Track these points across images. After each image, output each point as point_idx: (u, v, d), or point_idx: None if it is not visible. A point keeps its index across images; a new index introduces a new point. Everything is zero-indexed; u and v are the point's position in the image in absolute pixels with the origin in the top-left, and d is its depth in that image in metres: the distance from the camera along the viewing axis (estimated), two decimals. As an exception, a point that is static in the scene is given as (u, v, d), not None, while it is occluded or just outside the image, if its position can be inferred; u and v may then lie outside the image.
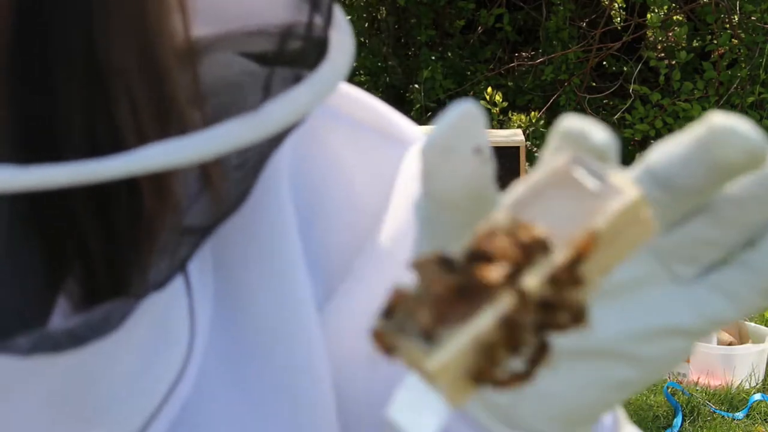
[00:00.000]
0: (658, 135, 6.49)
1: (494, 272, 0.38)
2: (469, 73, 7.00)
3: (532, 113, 6.34)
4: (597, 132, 0.44)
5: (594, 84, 6.91)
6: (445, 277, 0.38)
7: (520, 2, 7.11)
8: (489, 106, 6.28)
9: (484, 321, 0.37)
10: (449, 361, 0.37)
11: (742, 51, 6.61)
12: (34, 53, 0.48)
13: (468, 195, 0.44)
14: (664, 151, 0.45)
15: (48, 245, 0.51)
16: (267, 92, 0.50)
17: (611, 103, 6.79)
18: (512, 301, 0.38)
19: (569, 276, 0.39)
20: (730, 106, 6.44)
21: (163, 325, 0.53)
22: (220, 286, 0.56)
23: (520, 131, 4.19)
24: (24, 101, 0.48)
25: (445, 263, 0.38)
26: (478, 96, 6.49)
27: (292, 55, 0.52)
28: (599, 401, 0.48)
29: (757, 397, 4.12)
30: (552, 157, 0.43)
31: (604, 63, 7.13)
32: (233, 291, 0.57)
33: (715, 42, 6.74)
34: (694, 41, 7.06)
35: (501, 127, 6.04)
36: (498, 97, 6.22)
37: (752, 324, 4.50)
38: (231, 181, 0.53)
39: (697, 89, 6.57)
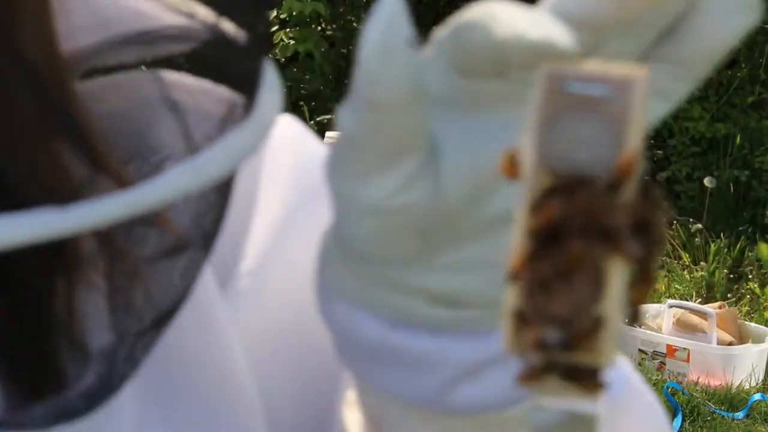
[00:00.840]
0: (658, 135, 6.49)
1: (580, 246, 0.36)
2: (468, 72, 7.00)
3: (532, 113, 6.34)
4: (559, 35, 0.39)
5: (594, 84, 6.91)
6: (546, 271, 0.36)
7: (519, 2, 7.11)
8: (489, 106, 6.28)
9: (615, 287, 0.36)
10: (613, 341, 0.36)
11: (742, 51, 6.60)
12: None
13: (415, 90, 0.42)
14: None
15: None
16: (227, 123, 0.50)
17: (611, 102, 6.79)
18: (615, 252, 0.36)
19: (637, 196, 0.36)
20: (730, 105, 6.44)
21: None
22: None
23: (520, 131, 4.19)
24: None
25: (533, 259, 0.36)
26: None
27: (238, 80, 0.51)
28: None
29: (757, 397, 4.12)
30: (531, 89, 0.38)
31: (604, 63, 7.13)
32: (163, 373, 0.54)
33: (715, 42, 6.74)
34: (694, 41, 7.06)
35: (501, 127, 6.03)
36: (498, 97, 6.22)
37: (752, 324, 4.50)
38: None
39: (696, 89, 6.56)
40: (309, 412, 0.60)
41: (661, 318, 4.39)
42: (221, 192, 0.51)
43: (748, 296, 5.12)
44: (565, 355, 0.36)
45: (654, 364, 4.30)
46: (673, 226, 5.62)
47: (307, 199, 0.62)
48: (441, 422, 0.49)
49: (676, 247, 5.50)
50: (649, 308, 4.60)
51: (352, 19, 7.02)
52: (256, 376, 0.58)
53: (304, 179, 0.62)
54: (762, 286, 5.14)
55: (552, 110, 0.37)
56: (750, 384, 4.20)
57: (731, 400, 4.13)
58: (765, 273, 5.29)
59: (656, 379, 4.24)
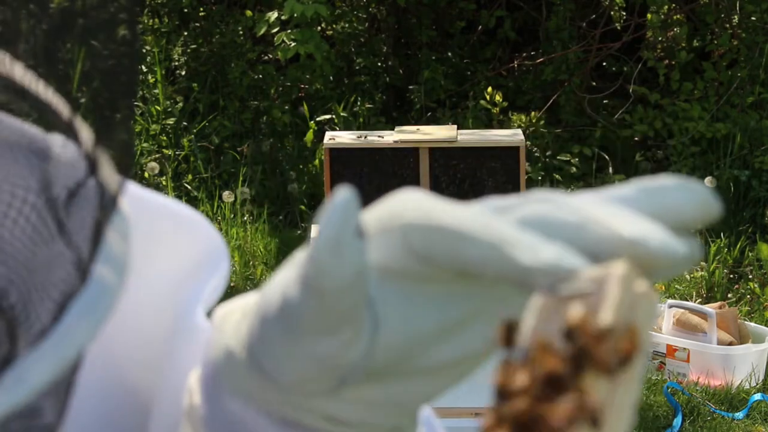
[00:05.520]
0: (658, 135, 6.49)
1: (559, 410, 0.42)
2: (469, 73, 7.00)
3: (532, 113, 6.33)
4: (568, 260, 0.44)
5: (594, 84, 6.91)
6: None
7: (520, 2, 7.11)
8: (489, 106, 6.28)
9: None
10: None
11: (742, 51, 6.61)
12: None
13: (358, 278, 0.45)
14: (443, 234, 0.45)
15: None
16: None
17: (611, 103, 6.78)
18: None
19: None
20: (730, 105, 6.44)
21: None
22: None
23: (520, 131, 4.19)
24: None
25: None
26: (478, 96, 6.49)
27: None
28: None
29: (757, 397, 4.12)
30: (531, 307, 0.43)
31: (604, 63, 7.13)
32: None
33: (715, 42, 6.74)
34: (694, 41, 7.06)
35: (501, 127, 6.03)
36: (498, 97, 6.22)
37: (752, 324, 4.50)
38: None
39: (696, 89, 6.56)
40: None
41: (661, 318, 4.39)
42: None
43: (748, 296, 5.12)
44: None
45: (654, 364, 4.30)
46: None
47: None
48: None
49: (676, 247, 5.49)
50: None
51: (353, 19, 7.03)
52: None
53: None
54: (762, 286, 5.14)
55: (542, 315, 0.43)
56: (750, 384, 4.20)
57: (731, 400, 4.13)
58: (765, 273, 5.29)
59: (656, 379, 4.24)
